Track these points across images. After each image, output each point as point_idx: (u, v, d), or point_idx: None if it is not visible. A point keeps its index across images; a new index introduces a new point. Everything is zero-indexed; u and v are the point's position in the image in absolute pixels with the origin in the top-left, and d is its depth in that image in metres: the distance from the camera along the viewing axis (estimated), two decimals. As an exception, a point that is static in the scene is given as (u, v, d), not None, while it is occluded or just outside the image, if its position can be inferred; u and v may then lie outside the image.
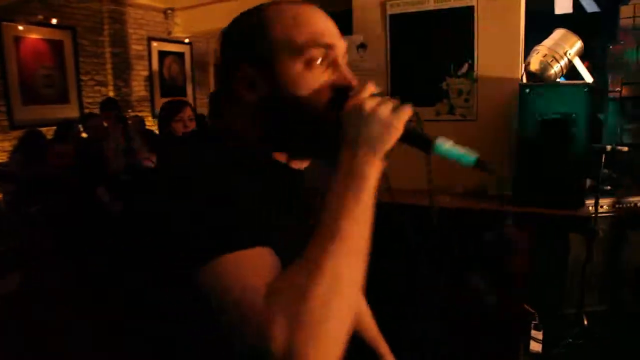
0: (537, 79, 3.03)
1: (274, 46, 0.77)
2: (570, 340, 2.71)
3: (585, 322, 2.77)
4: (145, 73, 6.58)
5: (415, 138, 0.74)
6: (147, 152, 3.21)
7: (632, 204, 3.04)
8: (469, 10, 3.27)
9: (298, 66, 0.76)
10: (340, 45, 0.79)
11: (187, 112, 2.81)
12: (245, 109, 0.80)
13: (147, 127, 5.16)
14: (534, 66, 2.99)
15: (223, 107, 0.86)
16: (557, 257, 3.03)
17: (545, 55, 2.99)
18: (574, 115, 2.82)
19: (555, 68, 3.00)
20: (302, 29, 0.77)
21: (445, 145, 0.72)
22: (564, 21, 3.29)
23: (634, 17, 3.40)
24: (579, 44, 3.03)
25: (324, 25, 0.79)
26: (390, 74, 3.62)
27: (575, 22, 3.38)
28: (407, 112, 0.72)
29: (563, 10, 3.28)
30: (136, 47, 6.37)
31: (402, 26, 3.53)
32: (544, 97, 2.90)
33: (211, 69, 7.31)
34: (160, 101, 6.17)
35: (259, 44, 0.77)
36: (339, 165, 0.71)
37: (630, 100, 3.39)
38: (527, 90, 2.93)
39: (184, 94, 7.10)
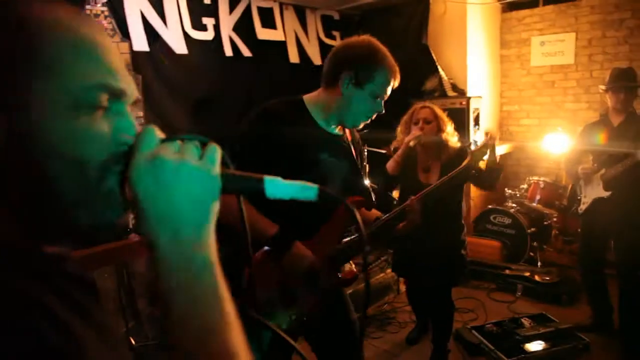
0: None
1: (31, 70, 0.47)
2: None
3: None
4: None
5: (241, 182, 0.56)
6: None
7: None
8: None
9: (67, 109, 0.48)
10: (132, 90, 0.56)
11: None
12: None
13: None
14: None
15: None
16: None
17: None
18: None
19: None
20: (85, 61, 0.50)
21: (279, 181, 0.56)
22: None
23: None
24: None
25: (115, 59, 0.54)
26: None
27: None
28: (217, 152, 0.54)
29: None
30: None
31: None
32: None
33: None
34: None
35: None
36: (159, 261, 0.50)
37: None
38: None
39: None
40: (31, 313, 0.43)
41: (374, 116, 1.67)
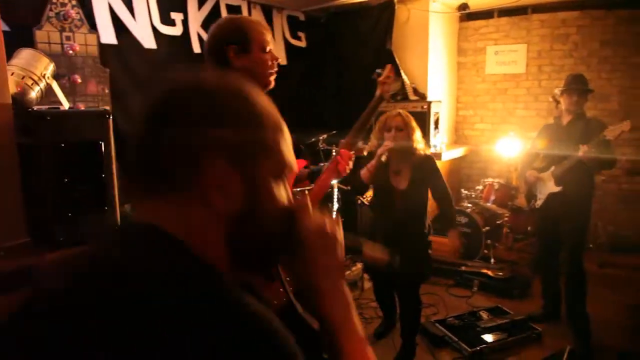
0: (17, 103, 2.32)
1: (261, 150, 0.62)
2: None
3: None
4: None
5: (351, 248, 0.79)
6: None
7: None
8: None
9: (274, 179, 0.65)
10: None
11: None
12: (210, 216, 0.60)
13: None
14: (12, 89, 2.35)
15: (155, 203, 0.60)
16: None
17: (23, 78, 2.61)
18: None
19: (35, 91, 2.71)
20: (281, 134, 0.66)
21: (371, 243, 0.77)
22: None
23: (49, 42, 3.19)
24: (52, 66, 2.84)
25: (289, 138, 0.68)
26: None
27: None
28: (340, 224, 0.74)
29: None
30: None
31: None
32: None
33: None
34: None
35: (245, 137, 0.61)
36: (323, 299, 0.70)
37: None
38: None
39: None
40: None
41: (276, 67, 1.74)
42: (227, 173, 0.59)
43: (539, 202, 3.38)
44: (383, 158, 2.78)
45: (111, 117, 2.16)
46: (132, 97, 3.73)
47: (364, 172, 2.89)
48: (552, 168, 3.26)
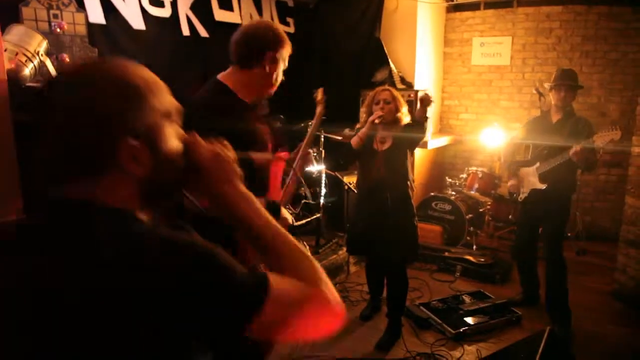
0: (11, 79, 2.42)
1: (153, 118, 0.77)
2: None
3: None
4: None
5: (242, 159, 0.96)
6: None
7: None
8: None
9: (171, 133, 0.81)
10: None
11: None
12: (128, 181, 0.76)
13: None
14: (5, 65, 2.35)
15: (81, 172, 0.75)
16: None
17: (17, 54, 2.59)
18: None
19: (29, 68, 2.69)
20: (156, 90, 0.79)
21: None
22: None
23: (36, 20, 3.13)
24: (45, 43, 2.81)
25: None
26: None
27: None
28: (226, 143, 0.94)
29: None
30: None
31: None
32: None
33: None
34: None
35: (139, 115, 0.75)
36: (231, 203, 0.88)
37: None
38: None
39: None
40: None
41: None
42: (134, 145, 0.74)
43: (522, 196, 3.47)
44: (377, 121, 2.88)
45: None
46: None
47: (354, 140, 3.02)
48: (537, 164, 3.32)
